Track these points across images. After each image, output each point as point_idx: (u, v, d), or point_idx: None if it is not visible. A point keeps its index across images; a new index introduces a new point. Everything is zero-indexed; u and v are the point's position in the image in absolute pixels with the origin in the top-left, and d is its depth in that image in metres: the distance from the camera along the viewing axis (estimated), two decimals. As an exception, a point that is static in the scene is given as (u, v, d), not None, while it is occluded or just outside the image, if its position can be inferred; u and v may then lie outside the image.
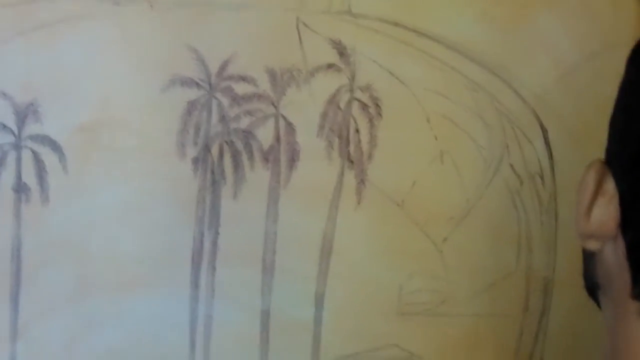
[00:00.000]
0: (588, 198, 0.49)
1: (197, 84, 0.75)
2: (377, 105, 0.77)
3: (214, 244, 0.76)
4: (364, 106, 0.77)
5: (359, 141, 0.78)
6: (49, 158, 0.74)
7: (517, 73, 0.77)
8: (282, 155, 0.76)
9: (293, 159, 0.77)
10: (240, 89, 0.76)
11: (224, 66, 0.75)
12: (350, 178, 0.78)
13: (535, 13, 0.77)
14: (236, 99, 0.76)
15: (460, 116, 0.77)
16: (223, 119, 0.75)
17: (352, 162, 0.77)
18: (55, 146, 0.74)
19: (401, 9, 0.76)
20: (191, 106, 0.75)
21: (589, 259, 0.53)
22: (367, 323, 0.79)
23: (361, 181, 0.78)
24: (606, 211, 0.48)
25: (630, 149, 0.48)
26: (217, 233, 0.76)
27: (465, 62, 0.77)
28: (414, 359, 0.80)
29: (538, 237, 0.79)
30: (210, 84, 0.75)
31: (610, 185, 0.49)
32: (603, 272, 0.52)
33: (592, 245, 0.51)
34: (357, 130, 0.77)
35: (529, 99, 0.78)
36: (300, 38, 0.75)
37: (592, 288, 0.54)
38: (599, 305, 0.54)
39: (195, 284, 0.76)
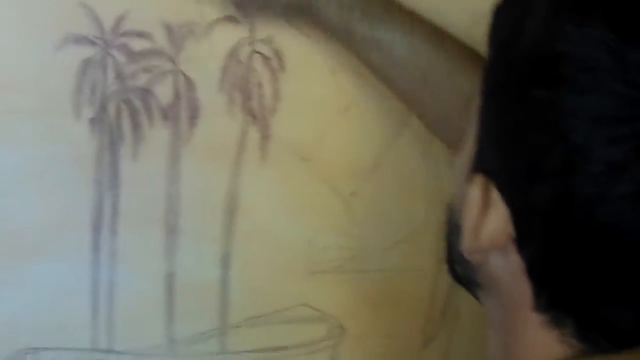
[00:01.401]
0: (475, 216, 0.63)
1: (91, 42, 0.95)
2: (280, 58, 0.99)
3: (114, 207, 0.98)
4: (265, 59, 0.99)
5: (262, 95, 1.00)
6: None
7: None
8: (182, 113, 0.98)
9: (194, 116, 0.98)
10: (137, 45, 0.95)
11: (118, 22, 0.95)
12: (254, 134, 1.00)
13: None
14: (132, 56, 0.96)
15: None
16: (119, 77, 0.96)
17: (255, 117, 1.00)
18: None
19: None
20: (86, 65, 0.95)
21: (453, 249, 0.71)
22: (276, 283, 1.02)
23: (265, 136, 1.00)
24: (497, 227, 0.62)
25: (522, 164, 0.60)
26: (117, 195, 0.98)
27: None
28: (325, 318, 1.04)
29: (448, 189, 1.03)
30: (104, 41, 0.95)
31: (497, 200, 0.62)
32: (486, 277, 0.69)
33: (477, 259, 0.67)
34: (260, 84, 1.00)
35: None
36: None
37: (463, 279, 0.74)
38: (472, 294, 0.74)
39: (96, 249, 0.98)
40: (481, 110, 0.67)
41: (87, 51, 0.94)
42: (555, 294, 0.63)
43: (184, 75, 0.95)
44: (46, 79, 0.94)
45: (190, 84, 0.95)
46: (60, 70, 0.94)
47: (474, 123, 0.69)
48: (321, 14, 0.90)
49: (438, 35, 0.92)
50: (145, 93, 0.95)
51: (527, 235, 0.61)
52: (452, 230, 0.72)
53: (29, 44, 0.93)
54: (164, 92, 0.96)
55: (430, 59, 0.90)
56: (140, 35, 0.95)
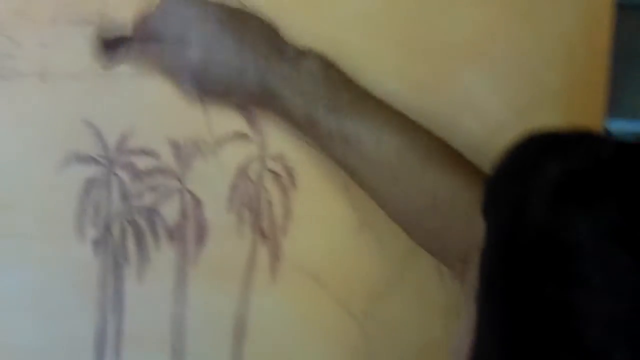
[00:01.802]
0: None
1: (95, 160, 0.93)
2: (291, 175, 0.96)
3: (118, 330, 0.95)
4: (276, 177, 0.96)
5: (273, 214, 0.97)
6: None
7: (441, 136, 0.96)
8: (189, 233, 0.95)
9: (201, 236, 0.95)
10: (142, 163, 0.93)
11: (123, 140, 0.93)
12: (263, 254, 0.97)
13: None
14: (138, 175, 0.94)
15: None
16: (124, 196, 0.94)
17: (265, 236, 0.96)
18: (-60, 232, 0.91)
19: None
20: (89, 184, 0.93)
21: None
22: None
23: (275, 256, 0.97)
24: None
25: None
26: (121, 318, 0.95)
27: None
28: None
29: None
30: (109, 160, 0.93)
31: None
32: None
33: None
34: (270, 203, 0.96)
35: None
36: (204, 105, 0.94)
37: None
38: None
39: (98, 375, 0.95)
40: (479, 297, 0.62)
41: (91, 170, 0.93)
42: None
43: (191, 194, 0.92)
44: (48, 200, 0.92)
45: (197, 203, 0.92)
46: (63, 190, 0.92)
47: (470, 304, 0.64)
48: (285, 103, 0.86)
49: (409, 129, 0.86)
50: (151, 213, 0.92)
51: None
52: None
53: (31, 163, 0.92)
54: (170, 212, 0.94)
55: (400, 155, 0.84)
56: (146, 152, 0.92)
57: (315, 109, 0.85)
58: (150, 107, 0.90)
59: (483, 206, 0.63)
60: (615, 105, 1.00)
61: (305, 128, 0.87)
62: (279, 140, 0.95)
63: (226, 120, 0.94)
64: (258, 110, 0.91)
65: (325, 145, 0.87)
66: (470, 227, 0.67)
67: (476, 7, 0.94)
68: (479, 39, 0.94)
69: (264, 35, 0.88)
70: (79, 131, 0.91)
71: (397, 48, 0.94)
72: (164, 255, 0.94)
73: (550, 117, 0.94)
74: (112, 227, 0.91)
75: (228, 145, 0.94)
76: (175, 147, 0.92)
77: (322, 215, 0.97)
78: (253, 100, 0.89)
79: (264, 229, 0.94)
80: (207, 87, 0.88)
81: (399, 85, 0.92)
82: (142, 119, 0.92)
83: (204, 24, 0.86)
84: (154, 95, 0.90)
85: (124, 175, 0.91)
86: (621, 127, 1.26)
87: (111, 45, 0.88)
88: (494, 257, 0.61)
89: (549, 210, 0.56)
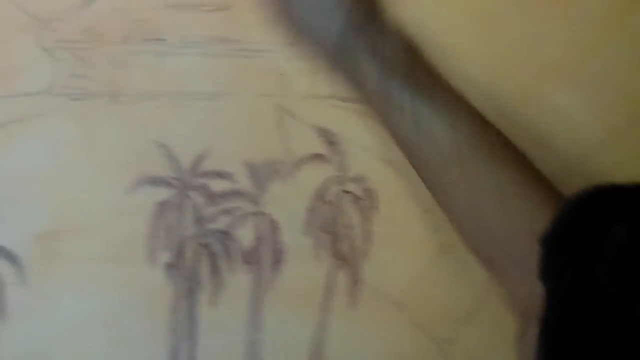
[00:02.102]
0: None
1: (168, 183, 0.89)
2: (372, 197, 0.92)
3: (191, 356, 0.92)
4: (356, 199, 0.92)
5: (352, 237, 0.92)
6: (5, 270, 0.88)
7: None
8: (265, 257, 0.91)
9: (277, 260, 0.91)
10: (217, 185, 0.89)
11: (197, 162, 0.89)
12: (342, 278, 0.93)
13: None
14: (212, 197, 0.90)
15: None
16: (198, 219, 0.90)
17: (344, 260, 0.92)
18: (11, 257, 0.88)
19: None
20: (162, 207, 0.89)
21: None
22: None
23: (355, 281, 0.93)
24: None
25: None
26: (194, 344, 0.91)
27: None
28: None
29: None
30: (182, 182, 0.89)
31: None
32: None
33: None
34: (349, 226, 0.92)
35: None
36: (281, 127, 0.89)
37: None
38: None
39: (172, 402, 0.92)
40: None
41: (164, 193, 0.89)
42: None
43: (267, 217, 0.88)
44: (119, 223, 0.89)
45: (274, 226, 0.89)
46: (135, 213, 0.89)
47: None
48: (363, 66, 0.80)
49: (484, 123, 0.81)
50: (226, 236, 0.88)
51: None
52: None
53: (101, 185, 0.88)
54: (245, 235, 0.91)
55: (472, 146, 0.79)
56: (221, 175, 0.89)
57: (391, 80, 0.80)
58: (226, 128, 0.87)
59: (540, 269, 0.58)
60: None
61: (377, 99, 0.81)
62: (359, 161, 0.91)
63: (304, 141, 0.90)
64: (330, 68, 0.85)
65: (393, 122, 0.81)
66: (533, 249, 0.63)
67: (567, 24, 0.89)
68: (570, 57, 0.90)
69: None
70: (152, 153, 0.88)
71: (486, 66, 0.88)
72: (238, 280, 0.91)
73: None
74: (185, 251, 0.88)
75: (306, 167, 0.90)
76: (251, 169, 0.89)
77: (404, 238, 0.92)
78: (330, 51, 0.82)
79: (343, 252, 0.89)
80: (290, 12, 0.82)
81: (487, 103, 0.86)
82: (217, 140, 0.89)
83: None
84: (229, 116, 0.86)
85: (197, 198, 0.88)
86: None
87: None
88: (559, 333, 0.57)
89: (618, 281, 0.51)
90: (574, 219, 0.59)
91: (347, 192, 0.90)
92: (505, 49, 0.89)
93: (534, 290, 0.62)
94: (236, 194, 0.88)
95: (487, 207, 0.78)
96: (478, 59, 0.89)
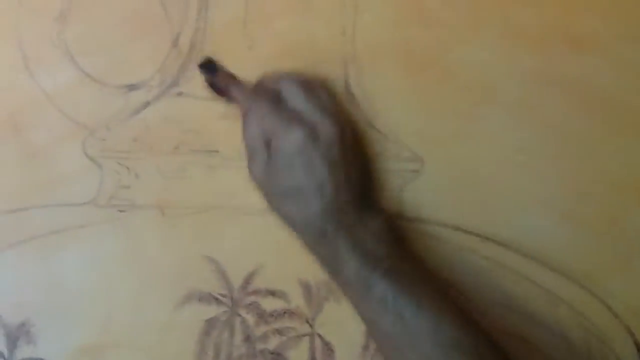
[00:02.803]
0: None
1: (217, 300, 0.84)
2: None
3: None
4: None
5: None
6: (45, 385, 0.84)
7: (607, 283, 0.84)
8: (319, 381, 0.86)
9: (332, 385, 0.86)
10: (268, 304, 0.84)
11: (248, 279, 0.84)
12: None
13: (630, 211, 0.84)
14: (263, 316, 0.85)
15: (539, 336, 0.85)
16: (248, 339, 0.85)
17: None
18: (51, 371, 0.84)
19: (463, 211, 0.84)
20: (210, 325, 0.84)
21: None
22: None
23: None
24: None
25: None
26: None
27: (544, 272, 0.84)
28: None
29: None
30: (232, 300, 0.84)
31: None
32: None
33: None
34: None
35: (623, 314, 0.85)
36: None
37: None
38: None
39: None
40: None
41: (212, 310, 0.84)
42: None
43: (322, 339, 0.83)
44: (166, 340, 0.84)
45: (328, 349, 0.84)
46: (182, 330, 0.84)
47: None
48: (339, 257, 0.75)
49: (467, 322, 0.75)
50: (277, 358, 0.84)
51: None
52: None
53: (148, 300, 0.84)
54: (298, 357, 0.85)
55: (455, 346, 0.73)
56: (273, 293, 0.84)
57: (372, 271, 0.74)
58: (279, 244, 0.81)
59: None
60: None
61: (354, 287, 0.76)
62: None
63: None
64: (307, 249, 0.79)
65: (370, 309, 0.76)
66: None
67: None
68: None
69: (357, 182, 0.79)
70: (201, 268, 0.83)
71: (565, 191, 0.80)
72: (290, 404, 0.82)
73: None
74: (234, 371, 0.81)
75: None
76: (306, 288, 0.84)
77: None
78: (309, 232, 0.78)
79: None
80: (271, 189, 0.78)
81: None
82: (269, 256, 0.84)
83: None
84: (283, 232, 0.79)
85: (248, 316, 0.83)
86: None
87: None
88: None
89: None
90: None
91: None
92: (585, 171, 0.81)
93: None
94: (289, 313, 0.83)
95: None
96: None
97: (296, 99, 0.77)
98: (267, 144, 0.76)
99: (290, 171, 0.75)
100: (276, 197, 0.78)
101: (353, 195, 0.77)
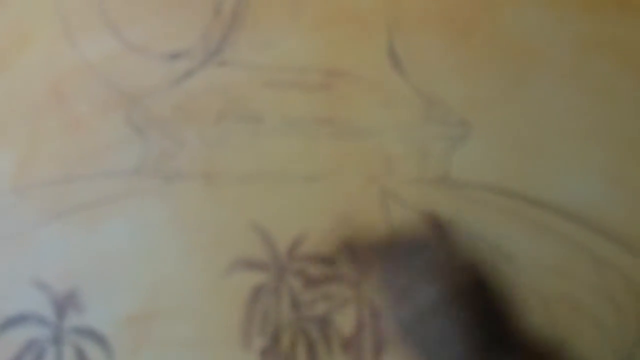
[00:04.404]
0: None
1: (264, 267, 0.84)
2: (481, 286, 0.85)
3: None
4: (463, 287, 0.85)
5: (458, 326, 0.86)
6: (94, 353, 0.84)
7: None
8: (366, 345, 0.86)
9: (379, 348, 0.85)
10: (315, 270, 0.84)
11: (295, 245, 0.84)
12: (446, 368, 0.87)
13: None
14: (310, 282, 0.84)
15: (585, 299, 0.84)
16: (295, 304, 0.85)
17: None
18: (100, 340, 0.84)
19: (510, 175, 0.83)
20: (257, 292, 0.84)
21: None
22: None
23: (460, 372, 0.87)
24: None
25: None
26: None
27: (591, 235, 0.84)
28: None
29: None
30: (279, 266, 0.84)
31: None
32: None
33: None
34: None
35: (670, 276, 0.84)
36: (386, 211, 0.83)
37: None
38: None
39: None
40: None
41: (259, 277, 0.84)
42: None
43: (370, 303, 0.82)
44: (213, 307, 0.84)
45: (375, 313, 0.83)
46: (229, 297, 0.84)
47: None
48: None
49: None
50: (324, 323, 0.83)
51: None
52: None
53: (195, 268, 0.84)
54: (345, 322, 0.85)
55: None
56: (320, 259, 0.83)
57: None
58: (326, 210, 0.81)
59: None
60: None
61: None
62: (467, 248, 0.85)
63: (410, 227, 0.83)
64: None
65: None
66: None
67: None
68: None
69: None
70: (247, 235, 0.83)
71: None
72: (337, 368, 0.82)
73: None
74: (282, 337, 0.83)
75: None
76: (352, 253, 0.83)
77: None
78: None
79: (450, 342, 0.83)
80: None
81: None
82: (316, 223, 0.83)
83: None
84: (329, 199, 0.80)
85: (295, 282, 0.82)
86: None
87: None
88: None
89: None
90: None
91: (456, 279, 0.82)
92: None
93: None
94: (336, 278, 0.82)
95: None
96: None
97: None
98: None
99: None
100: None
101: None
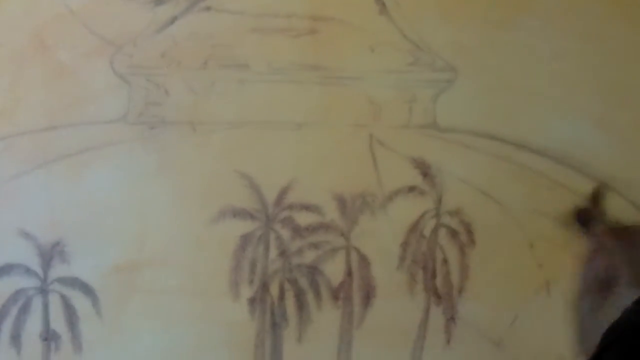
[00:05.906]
0: None
1: (251, 215, 0.83)
2: (469, 232, 0.85)
3: (276, 395, 0.87)
4: (453, 233, 0.85)
5: (448, 273, 0.86)
6: (80, 302, 0.83)
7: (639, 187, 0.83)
8: (355, 292, 0.85)
9: (368, 296, 0.85)
10: (303, 218, 0.83)
11: (282, 194, 0.83)
12: (437, 314, 0.86)
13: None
14: (298, 231, 0.84)
15: (571, 239, 0.85)
16: (283, 253, 0.84)
17: (439, 296, 0.86)
18: (86, 289, 0.84)
19: (497, 119, 0.82)
20: (245, 240, 0.84)
21: None
22: None
23: (451, 318, 0.86)
24: None
25: None
26: (280, 381, 0.87)
27: (578, 177, 0.84)
28: None
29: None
30: (267, 215, 0.83)
31: None
32: None
33: None
34: (446, 261, 0.86)
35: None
36: (374, 158, 0.83)
37: None
38: None
39: None
40: None
41: (247, 225, 0.84)
42: None
43: (358, 251, 0.82)
44: (201, 256, 0.84)
45: (364, 261, 0.83)
46: (217, 246, 0.84)
47: None
48: None
49: None
50: (313, 271, 0.83)
51: None
52: None
53: (181, 216, 0.83)
54: (334, 271, 0.85)
55: None
56: (308, 208, 0.83)
57: None
58: (313, 158, 0.80)
59: None
60: None
61: None
62: (456, 194, 0.84)
63: (398, 174, 0.83)
64: None
65: None
66: None
67: None
68: None
69: None
70: (234, 184, 0.82)
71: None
72: (326, 316, 0.85)
73: None
74: (270, 285, 0.83)
75: (399, 200, 0.83)
76: (341, 201, 0.83)
77: (503, 273, 0.86)
78: None
79: (439, 288, 0.83)
80: None
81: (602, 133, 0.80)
82: (303, 171, 0.83)
83: None
84: (317, 147, 0.79)
85: (282, 231, 0.82)
86: None
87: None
88: None
89: None
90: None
91: (444, 225, 0.82)
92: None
93: None
94: (324, 227, 0.82)
95: None
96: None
97: None
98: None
99: None
100: None
101: None
